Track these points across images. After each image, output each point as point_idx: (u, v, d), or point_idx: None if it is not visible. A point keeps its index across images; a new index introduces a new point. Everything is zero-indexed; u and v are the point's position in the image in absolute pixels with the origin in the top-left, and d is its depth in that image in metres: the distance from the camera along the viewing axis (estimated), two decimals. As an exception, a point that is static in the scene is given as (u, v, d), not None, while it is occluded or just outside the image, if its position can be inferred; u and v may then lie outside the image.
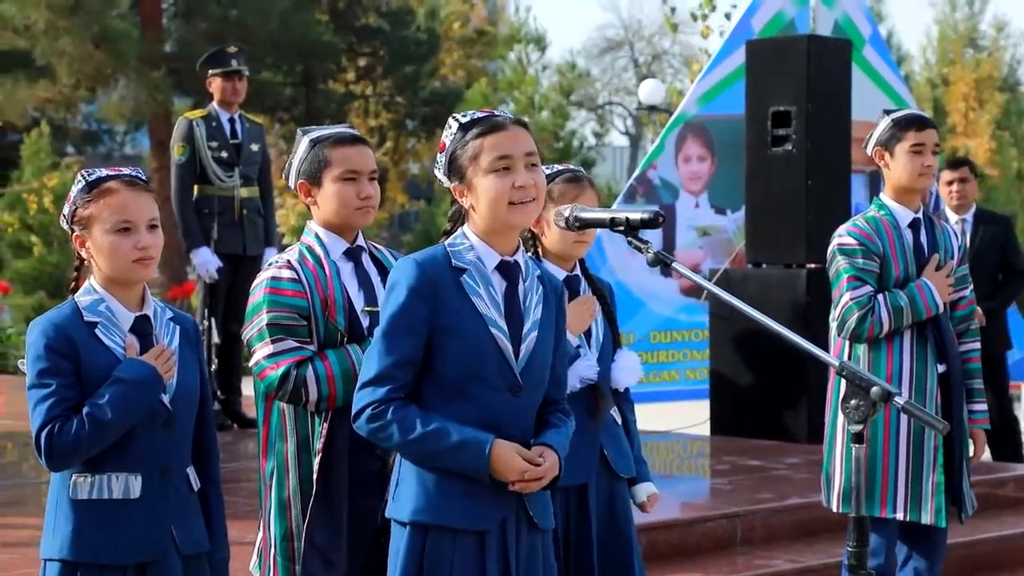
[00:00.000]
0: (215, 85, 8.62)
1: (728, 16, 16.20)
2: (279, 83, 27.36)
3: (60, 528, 3.40)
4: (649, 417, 9.91)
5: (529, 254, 4.31)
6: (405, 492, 3.26)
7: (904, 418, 4.96)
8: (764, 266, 8.91)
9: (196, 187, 8.43)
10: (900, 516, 4.96)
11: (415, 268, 3.24)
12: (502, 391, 3.26)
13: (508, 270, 3.31)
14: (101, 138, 30.62)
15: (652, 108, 19.57)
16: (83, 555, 3.38)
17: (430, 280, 3.22)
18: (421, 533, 3.23)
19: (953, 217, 8.44)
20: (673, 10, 17.34)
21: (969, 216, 8.49)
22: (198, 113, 8.65)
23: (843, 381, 4.96)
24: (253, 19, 24.18)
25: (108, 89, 24.75)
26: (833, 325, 5.07)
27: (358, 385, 3.28)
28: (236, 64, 8.62)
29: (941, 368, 5.02)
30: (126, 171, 3.53)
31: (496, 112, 3.37)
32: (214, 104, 8.64)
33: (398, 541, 3.28)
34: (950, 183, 8.52)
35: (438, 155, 3.38)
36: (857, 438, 2.88)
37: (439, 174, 3.39)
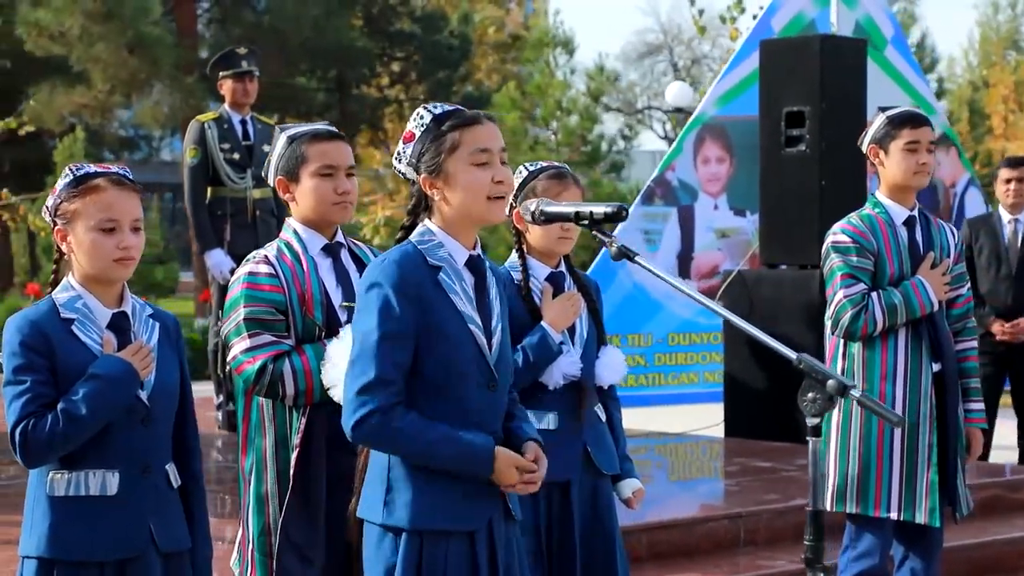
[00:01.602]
0: (226, 87, 8.65)
1: (756, 18, 16.11)
2: (313, 88, 27.46)
3: (37, 525, 3.40)
4: (667, 419, 9.91)
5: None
6: (400, 499, 3.22)
7: (899, 417, 4.93)
8: (778, 267, 8.87)
9: (209, 189, 8.46)
10: (894, 515, 4.93)
11: (396, 269, 3.20)
12: (481, 387, 3.27)
13: (475, 265, 3.30)
14: (138, 144, 30.81)
15: (679, 110, 19.55)
16: (60, 552, 3.38)
17: (411, 280, 3.20)
18: (418, 539, 3.21)
19: (1006, 216, 8.30)
20: (701, 12, 17.24)
21: (1023, 216, 8.34)
22: (210, 115, 8.68)
23: (838, 380, 5.03)
24: (286, 24, 24.29)
25: (143, 95, 24.90)
26: (828, 323, 5.05)
27: (354, 389, 3.19)
28: (247, 65, 8.63)
29: (936, 367, 4.98)
30: (114, 169, 3.53)
31: (461, 108, 3.36)
32: (225, 106, 8.67)
33: (388, 547, 3.23)
34: (1008, 181, 8.36)
35: (402, 145, 3.32)
36: (814, 431, 2.87)
37: (400, 165, 3.33)
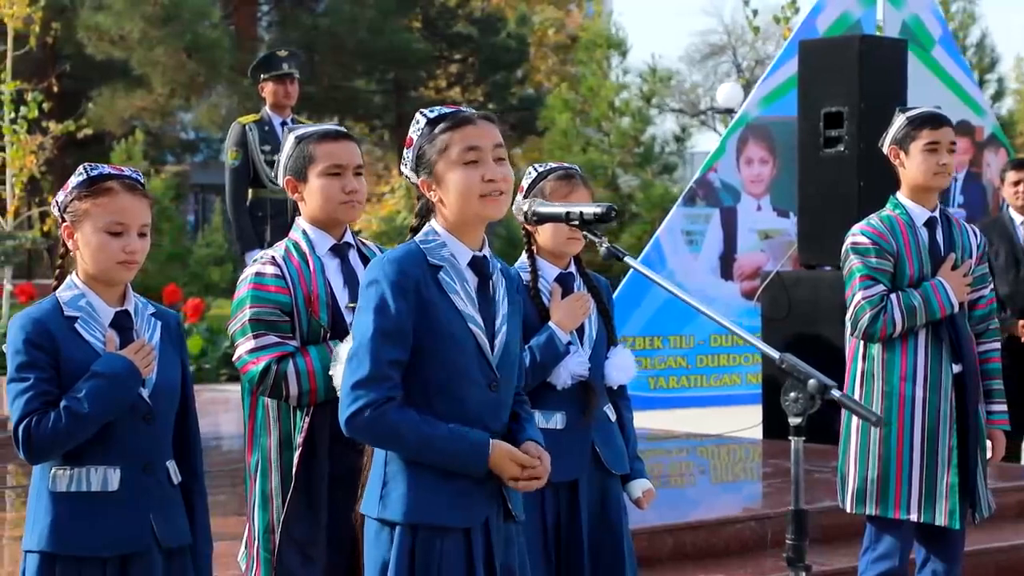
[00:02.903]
0: (267, 89, 8.70)
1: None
2: (370, 91, 27.60)
3: (40, 520, 3.44)
4: (708, 420, 9.90)
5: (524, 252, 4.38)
6: (395, 493, 3.24)
7: (918, 419, 4.91)
8: (816, 268, 8.82)
9: (250, 191, 8.52)
10: (914, 517, 4.90)
11: (395, 266, 3.22)
12: (482, 386, 3.27)
13: (479, 265, 3.31)
14: (198, 146, 31.09)
15: (730, 111, 19.47)
16: (61, 547, 3.41)
17: (411, 278, 3.21)
18: (411, 533, 3.22)
19: (1019, 218, 8.26)
20: (755, 12, 17.22)
21: None
22: (251, 118, 8.74)
23: (857, 382, 5.00)
24: (343, 28, 24.45)
25: (202, 98, 25.15)
26: (847, 325, 5.03)
27: (349, 384, 3.23)
28: (287, 68, 8.69)
29: (956, 368, 4.95)
30: (127, 172, 3.57)
31: (463, 108, 3.39)
32: (267, 108, 8.73)
33: (384, 541, 3.25)
34: (1016, 183, 8.33)
35: (405, 151, 3.38)
36: (796, 431, 2.86)
37: (405, 170, 3.38)
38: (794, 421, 2.85)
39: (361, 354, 3.21)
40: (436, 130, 3.29)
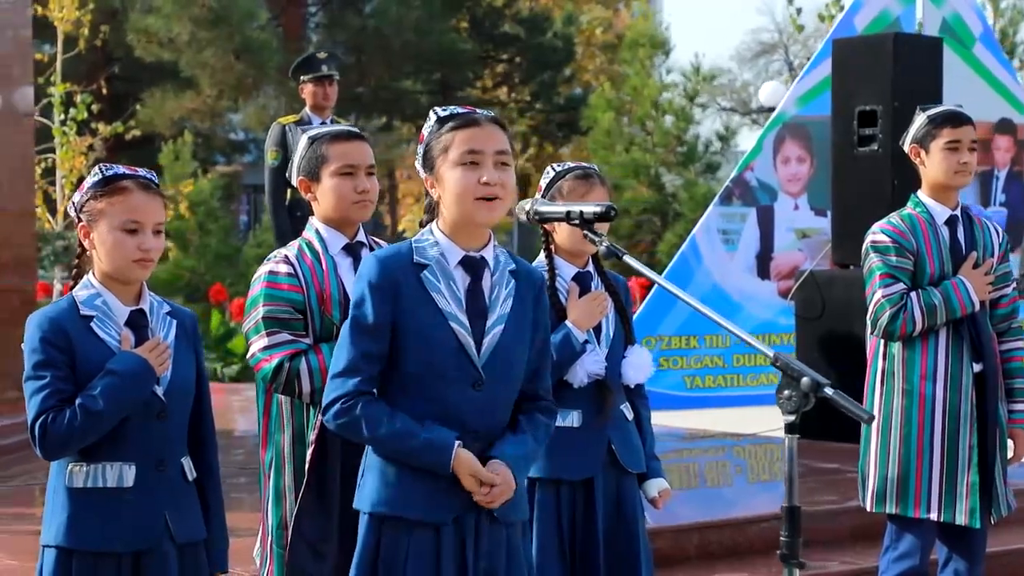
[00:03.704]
0: (307, 91, 8.79)
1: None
2: (417, 91, 27.69)
3: (56, 515, 3.49)
4: (744, 420, 9.87)
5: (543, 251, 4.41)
6: (368, 484, 3.31)
7: (938, 418, 4.90)
8: (850, 267, 8.80)
9: (289, 191, 8.59)
10: (934, 516, 4.89)
11: (376, 265, 3.27)
12: (463, 385, 3.27)
13: (472, 264, 3.31)
14: (248, 147, 31.30)
15: (772, 110, 19.40)
16: (77, 542, 3.46)
17: (390, 276, 3.26)
18: (378, 524, 3.27)
19: None
20: (799, 11, 17.18)
21: None
22: (291, 118, 8.83)
23: (877, 380, 5.00)
24: (391, 28, 24.54)
25: (250, 99, 25.31)
26: (868, 323, 5.03)
27: (328, 377, 3.33)
28: (327, 69, 8.77)
29: (977, 367, 4.93)
30: (142, 172, 3.62)
31: (476, 110, 3.40)
32: (307, 109, 8.82)
33: (361, 530, 3.33)
34: None
35: (417, 146, 3.41)
36: (790, 428, 2.88)
37: (418, 165, 3.41)
38: (787, 419, 2.87)
39: (339, 349, 3.30)
40: (443, 129, 3.31)
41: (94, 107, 18.36)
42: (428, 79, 27.69)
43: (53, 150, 18.38)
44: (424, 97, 27.44)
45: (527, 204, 3.42)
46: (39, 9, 16.80)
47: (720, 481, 7.50)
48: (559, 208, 3.33)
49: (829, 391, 2.81)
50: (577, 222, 3.25)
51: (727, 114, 37.85)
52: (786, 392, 2.88)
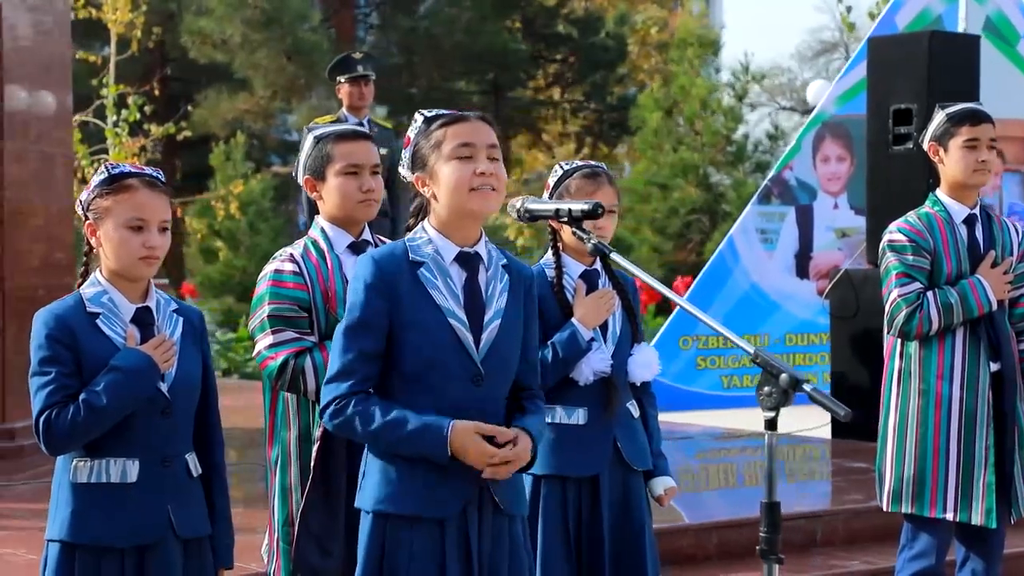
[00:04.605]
0: (343, 91, 8.86)
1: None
2: (468, 92, 27.75)
3: (61, 510, 3.54)
4: (782, 420, 9.82)
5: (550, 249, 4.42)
6: (369, 482, 3.34)
7: (955, 418, 4.87)
8: (885, 266, 8.74)
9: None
10: (950, 516, 4.87)
11: (372, 264, 3.30)
12: (463, 381, 3.30)
13: (468, 260, 3.34)
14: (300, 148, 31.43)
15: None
16: (81, 537, 3.50)
17: (386, 275, 3.29)
18: (382, 522, 3.29)
19: None
20: (849, 9, 17.08)
21: None
22: (328, 119, 8.87)
23: (894, 380, 4.98)
24: (442, 29, 24.62)
25: (303, 100, 25.46)
26: (884, 322, 5.01)
27: (324, 380, 3.36)
28: (362, 70, 8.83)
29: (995, 366, 4.91)
30: (148, 170, 3.66)
31: (464, 111, 3.45)
32: (343, 110, 8.88)
33: (363, 529, 3.35)
34: None
35: (403, 150, 3.45)
36: (769, 425, 2.89)
37: (402, 169, 3.45)
38: (767, 415, 2.87)
39: (335, 350, 3.33)
40: (432, 127, 3.36)
41: (147, 108, 18.51)
42: (480, 79, 27.74)
43: (106, 151, 18.54)
44: (477, 97, 27.51)
45: (518, 202, 3.44)
46: (93, 12, 16.96)
47: (745, 481, 7.48)
48: (549, 206, 3.35)
49: (807, 387, 2.82)
50: (566, 220, 3.27)
51: (780, 112, 37.65)
52: (766, 389, 2.88)
